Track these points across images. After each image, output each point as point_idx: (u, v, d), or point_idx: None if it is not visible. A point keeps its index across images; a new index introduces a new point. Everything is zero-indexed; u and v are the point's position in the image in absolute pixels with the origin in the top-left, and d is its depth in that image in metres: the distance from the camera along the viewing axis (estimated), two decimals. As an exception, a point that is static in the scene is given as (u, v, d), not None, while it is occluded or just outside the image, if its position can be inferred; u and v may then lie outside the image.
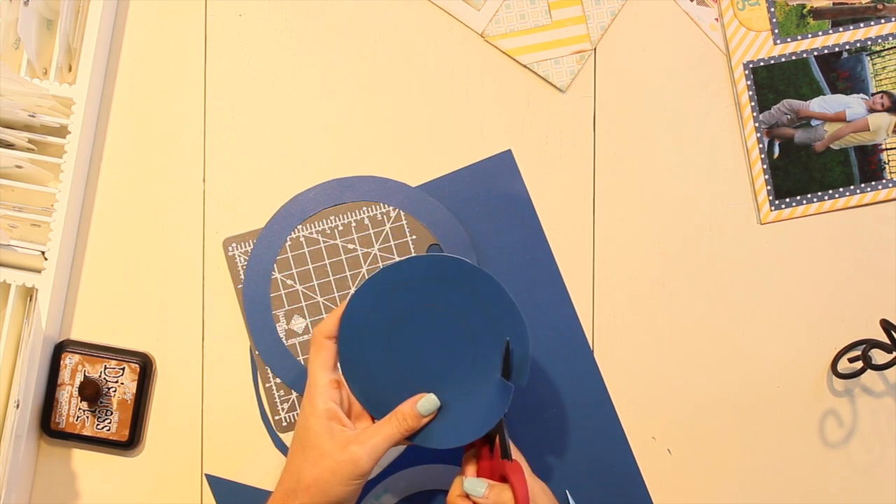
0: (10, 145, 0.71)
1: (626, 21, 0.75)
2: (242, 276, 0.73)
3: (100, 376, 0.72)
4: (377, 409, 0.62)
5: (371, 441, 0.58)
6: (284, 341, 0.73)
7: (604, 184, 0.75)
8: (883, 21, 0.74)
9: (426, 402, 0.61)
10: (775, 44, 0.75)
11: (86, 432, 0.72)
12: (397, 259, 0.67)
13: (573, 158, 0.75)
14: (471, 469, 0.62)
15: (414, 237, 0.73)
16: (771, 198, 0.74)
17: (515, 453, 0.62)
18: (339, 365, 0.62)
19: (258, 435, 0.74)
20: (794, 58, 0.75)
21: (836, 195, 0.74)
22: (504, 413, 0.61)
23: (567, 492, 0.73)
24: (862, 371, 0.71)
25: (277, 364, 0.73)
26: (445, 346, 0.62)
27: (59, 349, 0.72)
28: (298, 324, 0.73)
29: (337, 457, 0.58)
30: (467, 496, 0.60)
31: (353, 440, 0.58)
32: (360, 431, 0.59)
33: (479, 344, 0.61)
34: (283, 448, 0.74)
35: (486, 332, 0.61)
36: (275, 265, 0.73)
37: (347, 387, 0.63)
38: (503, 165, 0.75)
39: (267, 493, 0.72)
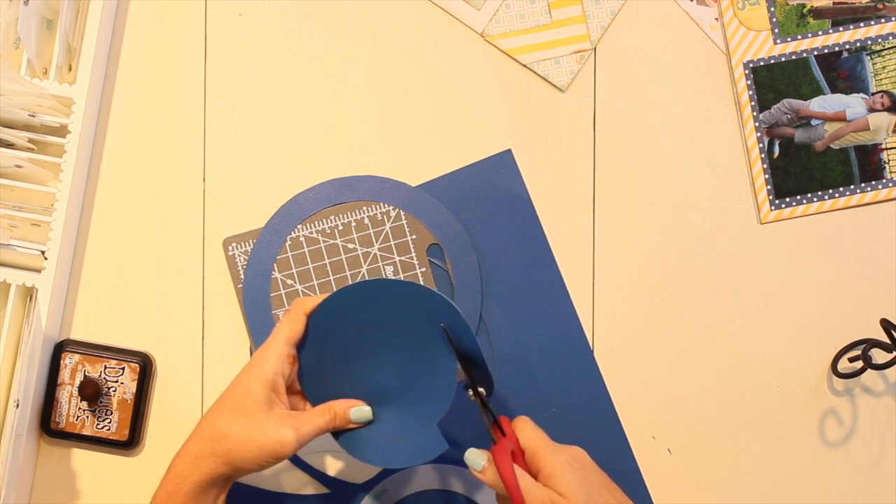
0: (10, 145, 0.71)
1: (626, 21, 0.75)
2: (242, 276, 0.73)
3: (100, 376, 0.72)
4: (316, 398, 0.63)
5: (303, 429, 0.58)
6: (284, 341, 0.73)
7: (604, 184, 0.75)
8: (883, 20, 0.74)
9: (359, 412, 0.62)
10: (775, 43, 0.75)
11: (86, 432, 0.72)
12: (400, 279, 0.67)
13: (573, 158, 0.75)
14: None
15: (414, 237, 0.73)
16: (771, 197, 0.74)
17: (530, 429, 0.60)
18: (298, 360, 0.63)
19: (258, 435, 0.74)
20: (794, 57, 0.75)
21: (836, 195, 0.74)
22: (427, 461, 0.62)
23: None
24: (862, 371, 0.71)
25: (277, 364, 0.73)
26: (404, 373, 0.63)
27: (59, 349, 0.72)
28: (298, 323, 0.73)
29: (268, 432, 0.57)
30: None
31: (288, 423, 0.58)
32: (295, 415, 0.59)
33: (435, 385, 0.62)
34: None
35: (446, 378, 0.62)
36: (275, 265, 0.73)
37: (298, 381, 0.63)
38: (503, 165, 0.75)
39: (267, 493, 0.72)
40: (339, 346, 0.63)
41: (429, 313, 0.61)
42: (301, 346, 0.63)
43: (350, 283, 0.73)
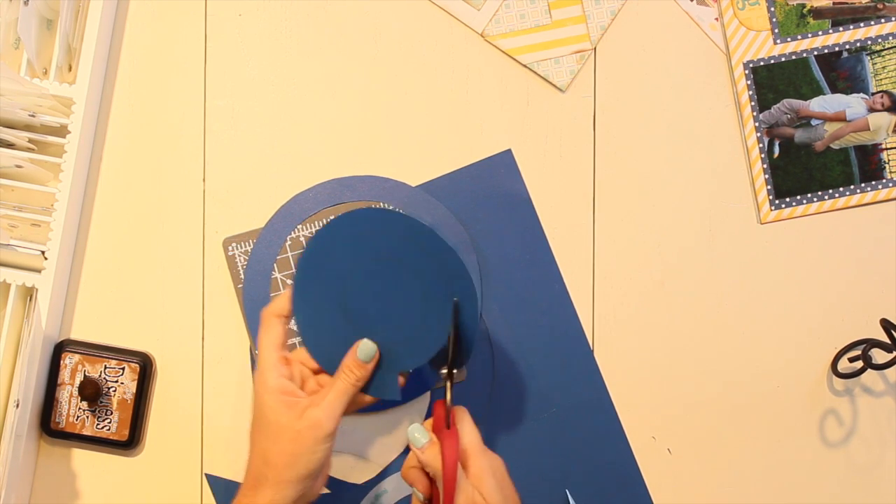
0: (10, 145, 0.71)
1: (625, 21, 0.75)
2: (242, 276, 0.73)
3: (100, 376, 0.72)
4: (332, 365, 0.62)
5: (326, 400, 0.58)
6: (284, 341, 0.73)
7: (604, 184, 0.75)
8: (883, 20, 0.74)
9: (363, 349, 0.61)
10: (775, 43, 0.75)
11: (86, 432, 0.72)
12: (358, 208, 0.66)
13: (573, 158, 0.75)
14: (429, 423, 0.62)
15: (414, 237, 0.73)
16: (771, 197, 0.74)
17: (469, 425, 0.60)
18: (294, 321, 0.62)
19: (258, 435, 0.74)
20: (794, 57, 0.75)
21: (836, 195, 0.74)
22: (430, 387, 0.62)
23: (567, 492, 0.73)
24: (862, 371, 0.71)
25: (277, 364, 0.73)
26: (398, 310, 0.61)
27: (59, 349, 0.72)
28: (298, 323, 0.73)
29: (297, 426, 0.57)
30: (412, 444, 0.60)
31: (309, 405, 0.58)
32: (314, 398, 0.59)
33: (423, 334, 0.61)
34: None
35: (433, 335, 0.61)
36: (275, 265, 0.73)
37: (304, 346, 0.63)
38: (503, 165, 0.75)
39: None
40: (329, 299, 0.62)
41: (442, 269, 0.60)
42: (297, 321, 0.62)
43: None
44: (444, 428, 0.59)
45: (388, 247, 0.61)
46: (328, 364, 0.63)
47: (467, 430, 0.59)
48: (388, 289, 0.62)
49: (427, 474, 0.59)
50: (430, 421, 0.61)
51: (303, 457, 0.57)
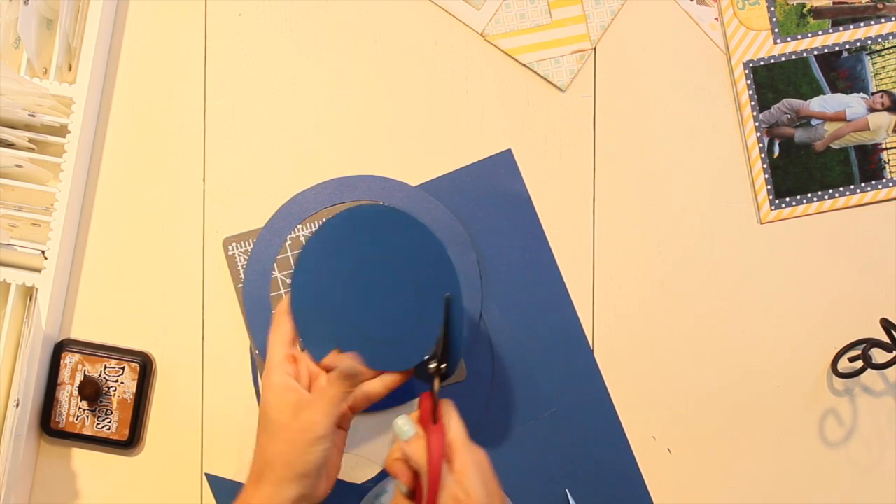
0: (10, 144, 0.71)
1: (626, 20, 0.75)
2: (242, 276, 0.73)
3: (100, 376, 0.72)
4: (309, 335, 0.63)
5: (320, 402, 0.58)
6: (284, 341, 0.73)
7: (604, 184, 0.75)
8: (883, 20, 0.74)
9: (346, 365, 0.61)
10: (775, 43, 0.75)
11: (86, 432, 0.72)
12: (361, 204, 0.66)
13: (573, 158, 0.75)
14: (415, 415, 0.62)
15: (414, 237, 0.73)
16: (771, 197, 0.74)
17: (455, 419, 0.60)
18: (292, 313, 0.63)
19: (258, 435, 0.74)
20: (794, 57, 0.75)
21: (837, 194, 0.74)
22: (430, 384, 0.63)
23: (567, 491, 0.73)
24: (862, 370, 0.71)
25: (277, 364, 0.73)
26: (394, 309, 0.63)
27: (59, 348, 0.72)
28: (298, 323, 0.73)
29: (292, 426, 0.58)
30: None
31: (305, 406, 0.58)
32: (313, 395, 0.60)
33: (416, 337, 0.62)
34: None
35: (426, 336, 0.62)
36: (275, 265, 0.73)
37: (300, 339, 0.64)
38: (503, 165, 0.75)
39: (267, 493, 0.72)
40: (330, 293, 0.63)
41: (432, 268, 0.62)
42: (294, 314, 0.63)
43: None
44: (431, 422, 0.59)
45: (392, 246, 0.62)
46: (320, 357, 0.63)
47: (454, 425, 0.59)
48: (384, 289, 0.63)
49: (411, 466, 0.58)
50: (416, 413, 0.61)
51: (297, 457, 0.58)
